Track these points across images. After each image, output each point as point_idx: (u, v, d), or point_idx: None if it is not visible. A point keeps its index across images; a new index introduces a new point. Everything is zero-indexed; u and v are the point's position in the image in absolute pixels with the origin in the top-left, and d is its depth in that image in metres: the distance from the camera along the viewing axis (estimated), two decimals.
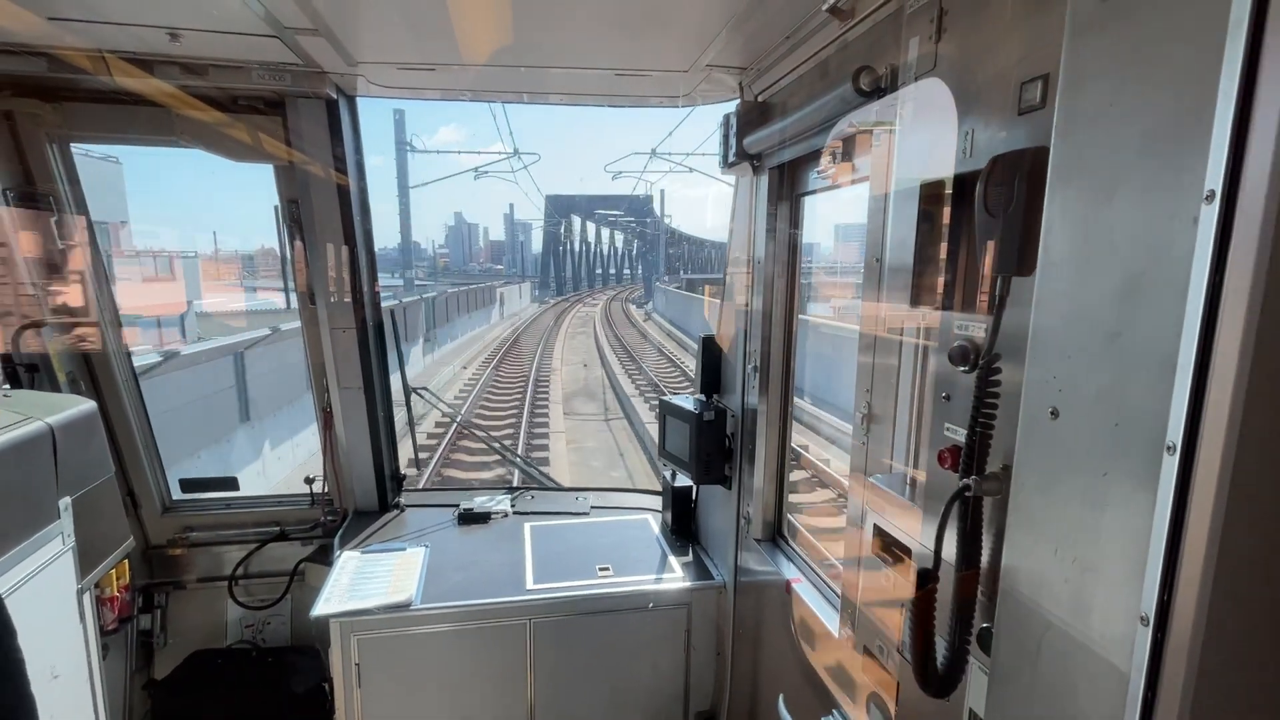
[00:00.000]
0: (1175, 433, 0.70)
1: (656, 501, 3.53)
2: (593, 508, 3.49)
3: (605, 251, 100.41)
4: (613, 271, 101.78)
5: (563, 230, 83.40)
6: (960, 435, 1.22)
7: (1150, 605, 0.73)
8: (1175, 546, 0.71)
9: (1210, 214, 0.67)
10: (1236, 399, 0.66)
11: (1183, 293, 0.70)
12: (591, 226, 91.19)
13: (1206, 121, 0.68)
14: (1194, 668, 0.71)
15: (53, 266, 2.80)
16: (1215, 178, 0.67)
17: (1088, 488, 0.84)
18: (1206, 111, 0.68)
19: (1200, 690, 0.71)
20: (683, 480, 3.15)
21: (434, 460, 10.02)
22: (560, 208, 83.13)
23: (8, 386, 2.61)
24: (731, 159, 2.48)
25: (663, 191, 72.19)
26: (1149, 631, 0.74)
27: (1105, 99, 0.81)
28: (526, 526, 3.24)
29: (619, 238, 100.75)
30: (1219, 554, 0.68)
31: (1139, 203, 0.77)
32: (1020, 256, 1.00)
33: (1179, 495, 0.70)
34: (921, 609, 1.16)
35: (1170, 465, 0.71)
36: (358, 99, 2.83)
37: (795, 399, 2.60)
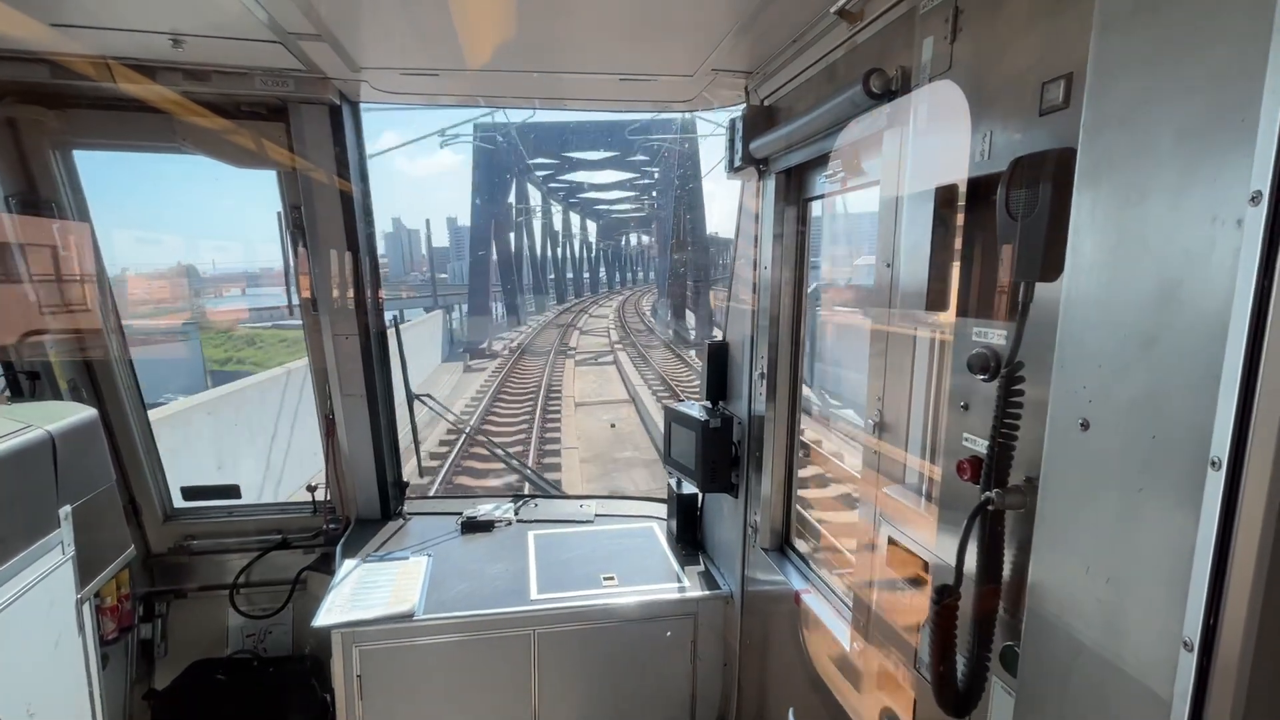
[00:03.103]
0: (1220, 447, 0.67)
1: (662, 510, 3.49)
2: (597, 516, 3.45)
3: (577, 246, 58.98)
4: (586, 275, 64.98)
5: (514, 198, 40.22)
6: (980, 446, 1.18)
7: (1194, 629, 0.70)
8: (1221, 567, 0.67)
9: (1257, 215, 0.64)
10: None
11: (1227, 298, 0.67)
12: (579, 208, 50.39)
13: (1251, 120, 0.65)
14: (1242, 695, 0.67)
15: (55, 273, 2.79)
16: (1262, 178, 0.64)
17: (1122, 503, 0.80)
18: (1251, 109, 0.65)
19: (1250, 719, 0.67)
20: (689, 488, 3.11)
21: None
22: (517, 156, 39.09)
23: (9, 394, 2.60)
24: (738, 163, 2.45)
25: None
26: (1193, 657, 0.70)
27: (1136, 97, 0.78)
28: (530, 535, 3.20)
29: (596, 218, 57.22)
30: (1269, 575, 0.64)
31: (1175, 204, 0.74)
32: (1045, 261, 0.97)
33: (1225, 513, 0.67)
34: (941, 625, 1.12)
35: (1215, 481, 0.67)
36: (361, 105, 2.82)
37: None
